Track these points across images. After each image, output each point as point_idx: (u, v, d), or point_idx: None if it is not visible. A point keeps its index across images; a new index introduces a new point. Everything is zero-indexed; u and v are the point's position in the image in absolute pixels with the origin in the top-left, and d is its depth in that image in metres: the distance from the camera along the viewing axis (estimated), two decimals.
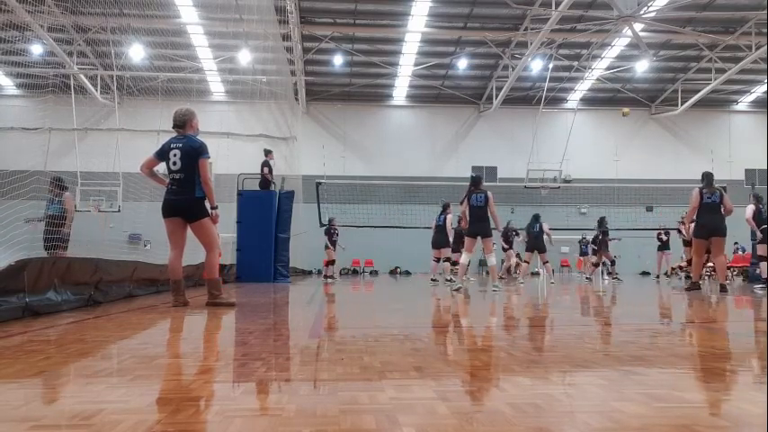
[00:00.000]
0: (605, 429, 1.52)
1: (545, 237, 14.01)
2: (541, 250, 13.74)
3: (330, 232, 16.43)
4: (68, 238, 8.63)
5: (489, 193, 9.45)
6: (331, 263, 16.47)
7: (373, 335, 3.65)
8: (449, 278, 12.39)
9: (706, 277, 14.38)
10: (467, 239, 9.66)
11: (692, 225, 10.03)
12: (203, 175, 5.59)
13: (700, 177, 9.56)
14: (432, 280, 11.95)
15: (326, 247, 16.35)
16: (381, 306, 6.85)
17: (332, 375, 2.21)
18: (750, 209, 11.25)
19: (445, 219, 12.61)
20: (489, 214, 9.35)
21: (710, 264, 13.97)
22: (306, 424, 1.54)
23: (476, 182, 9.62)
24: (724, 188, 10.06)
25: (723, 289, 8.97)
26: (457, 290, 8.87)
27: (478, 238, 9.42)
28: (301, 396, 1.87)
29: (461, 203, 9.74)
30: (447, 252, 12.66)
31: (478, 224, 9.37)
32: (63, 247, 8.41)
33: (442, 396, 1.84)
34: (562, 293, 9.17)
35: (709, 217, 9.11)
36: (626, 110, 15.33)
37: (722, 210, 9.14)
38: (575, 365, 2.50)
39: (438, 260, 12.79)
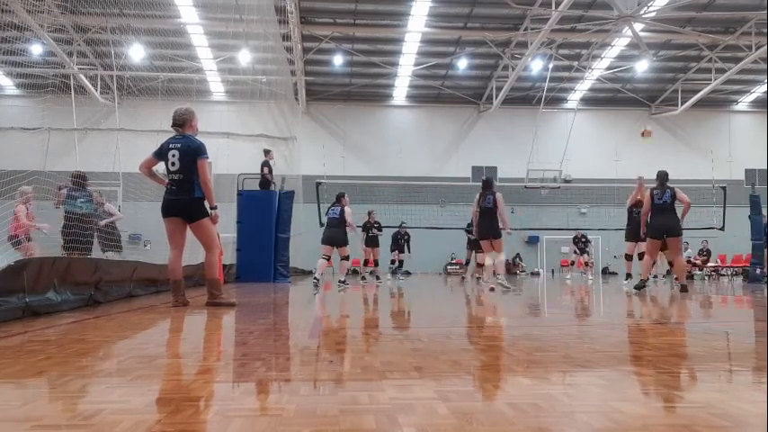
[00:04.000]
0: (605, 429, 1.52)
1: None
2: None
3: (367, 228, 14.57)
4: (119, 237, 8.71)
5: (499, 195, 9.42)
6: (375, 263, 14.46)
7: (375, 335, 3.65)
8: (342, 280, 10.50)
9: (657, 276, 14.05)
10: (483, 242, 9.64)
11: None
12: (203, 176, 5.59)
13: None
14: (315, 279, 10.06)
15: (366, 246, 14.59)
16: (383, 306, 6.85)
17: (332, 375, 2.21)
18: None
19: (342, 211, 10.49)
20: (498, 215, 9.34)
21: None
22: (306, 424, 1.54)
23: (487, 184, 9.60)
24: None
25: (684, 289, 8.89)
26: (492, 290, 8.86)
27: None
28: (301, 396, 1.87)
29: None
30: (346, 251, 10.66)
31: (487, 225, 9.40)
32: (117, 247, 8.39)
33: (443, 396, 1.84)
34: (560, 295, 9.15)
35: (660, 218, 9.25)
36: (648, 129, 14.73)
37: (675, 208, 9.24)
38: (575, 365, 2.50)
39: (329, 258, 10.61)
